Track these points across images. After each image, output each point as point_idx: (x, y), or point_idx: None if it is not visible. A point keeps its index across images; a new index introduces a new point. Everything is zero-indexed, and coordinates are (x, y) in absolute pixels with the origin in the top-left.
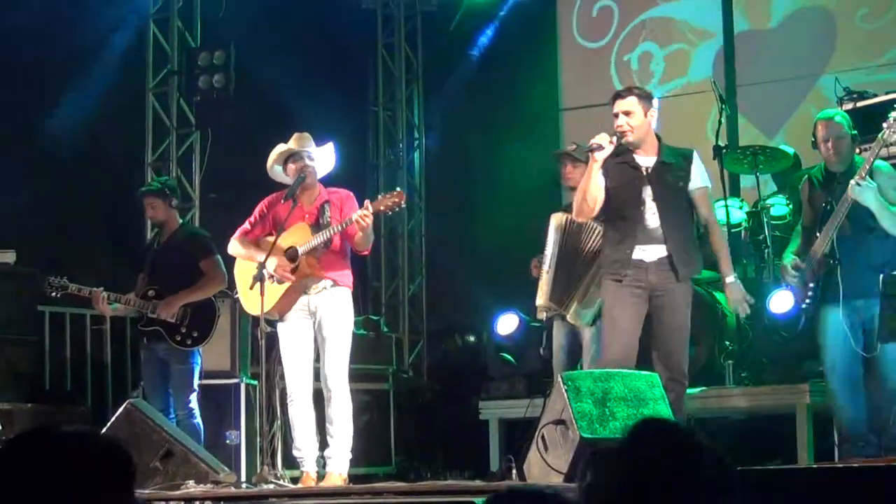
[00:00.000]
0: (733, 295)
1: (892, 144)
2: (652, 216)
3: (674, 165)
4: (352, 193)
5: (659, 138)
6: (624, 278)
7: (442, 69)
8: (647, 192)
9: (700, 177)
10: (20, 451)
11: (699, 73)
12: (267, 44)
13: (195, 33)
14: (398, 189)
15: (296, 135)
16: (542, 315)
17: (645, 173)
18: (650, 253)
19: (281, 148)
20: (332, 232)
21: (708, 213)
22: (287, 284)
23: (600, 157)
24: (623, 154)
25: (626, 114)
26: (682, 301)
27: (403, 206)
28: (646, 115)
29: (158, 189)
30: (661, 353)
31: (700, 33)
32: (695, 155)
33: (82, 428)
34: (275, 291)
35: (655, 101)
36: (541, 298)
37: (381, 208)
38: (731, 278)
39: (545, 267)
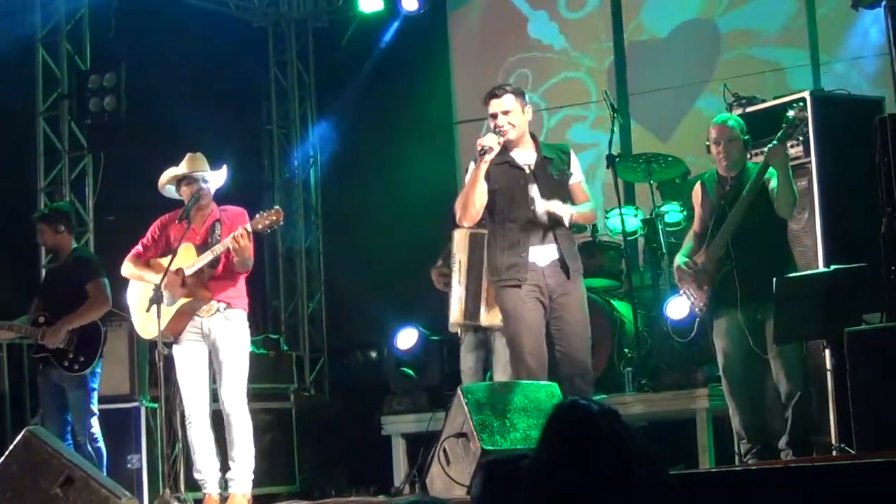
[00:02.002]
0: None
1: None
2: (542, 215)
3: (555, 160)
4: (244, 211)
5: (534, 135)
6: (523, 283)
7: (335, 85)
8: (534, 190)
9: (578, 170)
10: None
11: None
12: (158, 65)
13: (85, 56)
14: (276, 207)
15: (188, 156)
16: (458, 331)
17: (528, 171)
18: (543, 255)
19: (173, 171)
20: (215, 252)
21: (585, 202)
22: (177, 306)
23: (489, 158)
24: (501, 154)
25: (505, 112)
26: (581, 298)
27: (282, 223)
28: (523, 111)
29: (43, 215)
30: (566, 358)
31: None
32: (571, 149)
33: None
34: (166, 313)
35: (527, 98)
36: (455, 316)
37: (260, 227)
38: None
39: (455, 285)
